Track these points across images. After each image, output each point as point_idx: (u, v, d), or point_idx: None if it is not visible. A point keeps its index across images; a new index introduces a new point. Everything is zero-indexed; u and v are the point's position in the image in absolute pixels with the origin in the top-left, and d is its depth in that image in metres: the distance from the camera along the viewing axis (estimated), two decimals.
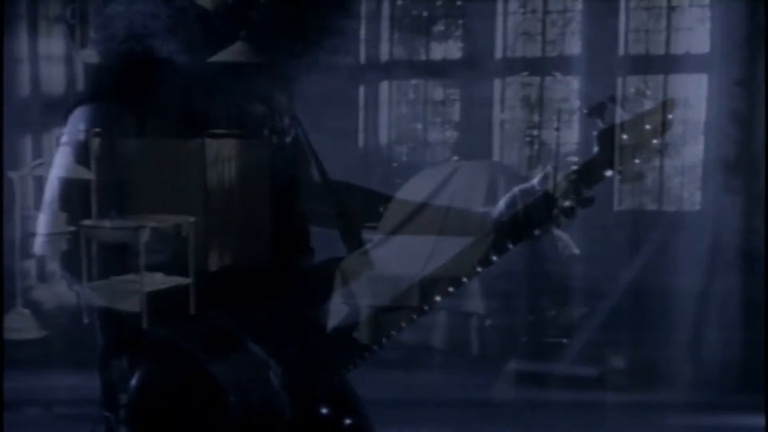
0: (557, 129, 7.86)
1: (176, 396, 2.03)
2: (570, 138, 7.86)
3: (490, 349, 6.09)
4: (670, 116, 1.97)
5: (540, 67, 8.07)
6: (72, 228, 1.99)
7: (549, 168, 2.02)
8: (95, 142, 1.99)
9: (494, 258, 2.02)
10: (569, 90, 8.07)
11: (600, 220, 6.14)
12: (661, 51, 7.80)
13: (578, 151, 7.52)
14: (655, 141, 1.96)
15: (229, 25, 1.96)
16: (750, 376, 4.85)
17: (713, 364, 5.83)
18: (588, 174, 1.99)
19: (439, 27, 8.52)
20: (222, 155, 2.06)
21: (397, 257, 2.12)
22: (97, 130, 1.98)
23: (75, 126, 2.05)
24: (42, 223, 2.08)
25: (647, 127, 1.96)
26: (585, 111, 1.99)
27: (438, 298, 2.05)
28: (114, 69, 2.10)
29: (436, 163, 8.11)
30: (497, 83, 8.08)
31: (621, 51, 7.73)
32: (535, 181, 2.06)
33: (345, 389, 2.20)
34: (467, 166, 2.22)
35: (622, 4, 7.77)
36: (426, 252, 2.08)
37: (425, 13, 8.44)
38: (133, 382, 2.02)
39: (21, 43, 6.62)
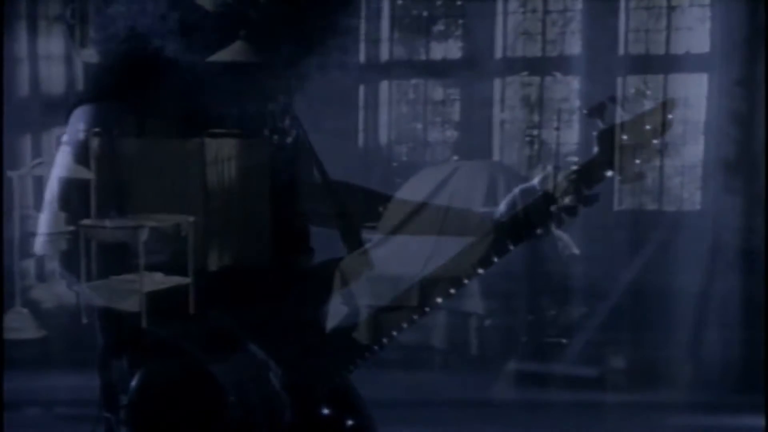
0: (557, 129, 7.86)
1: (176, 396, 2.03)
2: (570, 138, 7.86)
3: (489, 349, 6.08)
4: (670, 116, 1.97)
5: (540, 66, 8.07)
6: (72, 228, 1.98)
7: (549, 168, 2.02)
8: (95, 142, 1.99)
9: (495, 259, 2.02)
10: (569, 90, 8.07)
11: (600, 220, 6.14)
12: (661, 51, 7.79)
13: (578, 150, 7.52)
14: (655, 141, 1.96)
15: (229, 25, 1.96)
16: (750, 376, 4.85)
17: (713, 364, 5.82)
18: (588, 174, 1.99)
19: (439, 27, 8.52)
20: (222, 155, 2.06)
21: (396, 257, 2.12)
22: (97, 129, 1.98)
23: (75, 126, 2.04)
24: (42, 223, 2.08)
25: (647, 127, 1.96)
26: (585, 111, 1.99)
27: (439, 299, 2.05)
28: (114, 69, 2.10)
29: (436, 163, 8.11)
30: (497, 83, 8.08)
31: (621, 51, 7.73)
32: (535, 181, 2.06)
33: (347, 390, 2.20)
34: (467, 166, 2.23)
35: (622, 4, 7.76)
36: (426, 252, 2.08)
37: (425, 13, 8.43)
38: (134, 382, 2.02)
39: (20, 43, 6.62)
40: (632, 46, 7.78)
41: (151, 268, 1.97)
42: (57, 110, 6.28)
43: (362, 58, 7.71)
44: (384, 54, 8.23)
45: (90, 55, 2.16)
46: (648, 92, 2.02)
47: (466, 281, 2.04)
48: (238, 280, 2.06)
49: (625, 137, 1.95)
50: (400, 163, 8.30)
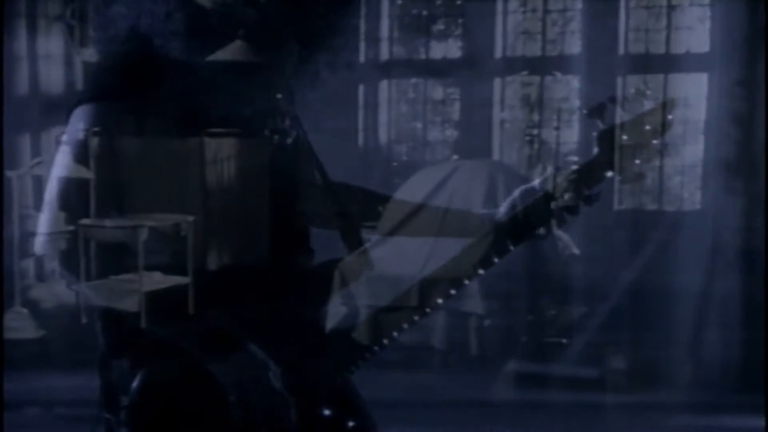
0: (557, 128, 7.86)
1: (178, 397, 2.03)
2: (570, 137, 7.86)
3: (489, 350, 6.08)
4: (670, 117, 1.97)
5: (540, 66, 8.07)
6: (71, 227, 1.98)
7: (550, 169, 2.02)
8: (94, 141, 1.98)
9: (495, 259, 2.01)
10: (569, 89, 8.07)
11: (600, 219, 6.14)
12: (661, 50, 7.80)
13: (578, 150, 7.53)
14: (655, 141, 1.96)
15: (228, 24, 1.95)
16: (750, 376, 4.85)
17: (713, 364, 5.82)
18: (588, 174, 1.99)
19: (439, 26, 8.52)
20: (221, 155, 2.06)
21: (395, 257, 2.12)
22: (96, 129, 1.98)
23: (75, 125, 2.04)
24: (42, 223, 2.08)
25: (647, 127, 1.95)
26: (585, 112, 1.99)
27: (439, 300, 2.05)
28: (114, 68, 2.09)
29: (436, 163, 8.10)
30: (497, 82, 8.08)
31: (621, 50, 7.73)
32: (536, 183, 2.05)
33: (348, 390, 2.20)
34: (467, 165, 2.22)
35: (622, 3, 7.76)
36: (425, 252, 2.08)
37: (425, 12, 8.43)
38: (135, 383, 2.02)
39: (20, 42, 6.62)
40: (632, 46, 7.78)
41: (151, 267, 1.96)
42: (56, 110, 6.28)
43: (362, 57, 7.71)
44: (384, 53, 8.23)
45: (90, 54, 2.15)
46: (648, 92, 2.02)
47: (466, 282, 2.04)
48: (237, 280, 2.05)
49: (625, 137, 1.95)
50: (400, 162, 8.31)
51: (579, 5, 7.97)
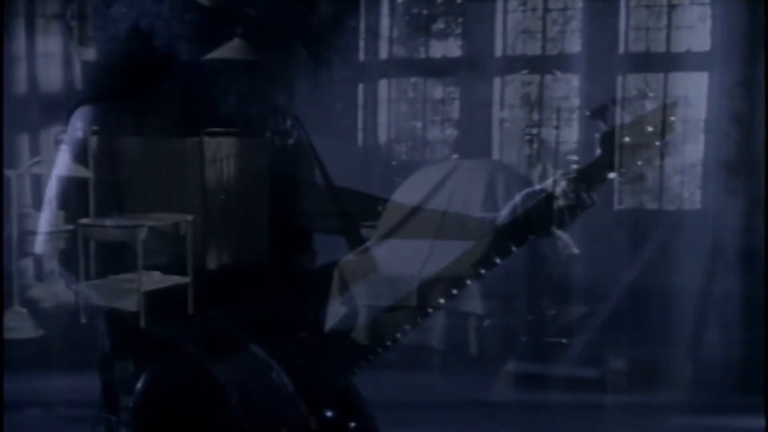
0: (557, 127, 7.86)
1: (182, 399, 2.02)
2: (570, 136, 7.86)
3: (489, 350, 6.08)
4: (672, 118, 1.97)
5: (540, 65, 8.07)
6: (70, 226, 1.98)
7: (550, 169, 2.02)
8: (93, 141, 1.98)
9: (497, 260, 2.02)
10: (569, 88, 8.06)
11: (600, 219, 6.13)
12: (662, 49, 7.79)
13: (578, 149, 7.52)
14: (657, 143, 1.97)
15: (226, 23, 1.95)
16: (750, 376, 4.84)
17: (713, 365, 5.82)
18: (591, 176, 1.99)
19: (439, 25, 8.51)
20: (220, 154, 2.05)
21: (394, 258, 2.11)
22: (96, 128, 1.97)
23: (74, 125, 2.04)
24: (42, 222, 2.08)
25: (649, 128, 1.96)
26: (587, 113, 1.99)
27: (441, 300, 2.05)
28: (113, 68, 2.09)
29: (436, 162, 8.10)
30: (497, 81, 8.08)
31: (621, 49, 7.73)
32: (537, 187, 2.05)
33: (350, 391, 2.19)
34: (466, 165, 2.21)
35: (623, 2, 7.76)
36: (424, 253, 2.08)
37: (425, 11, 8.43)
38: (139, 384, 2.01)
39: (19, 42, 6.61)
40: (632, 45, 7.77)
41: (150, 267, 1.96)
42: (55, 109, 6.28)
43: (361, 56, 7.70)
44: (383, 52, 8.23)
45: (89, 53, 2.15)
46: (650, 94, 2.02)
47: (468, 282, 2.04)
48: (237, 280, 2.05)
49: (627, 139, 1.95)
50: (400, 161, 8.30)
51: (579, 4, 7.97)
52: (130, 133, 2.03)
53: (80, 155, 1.98)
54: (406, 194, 2.15)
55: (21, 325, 5.68)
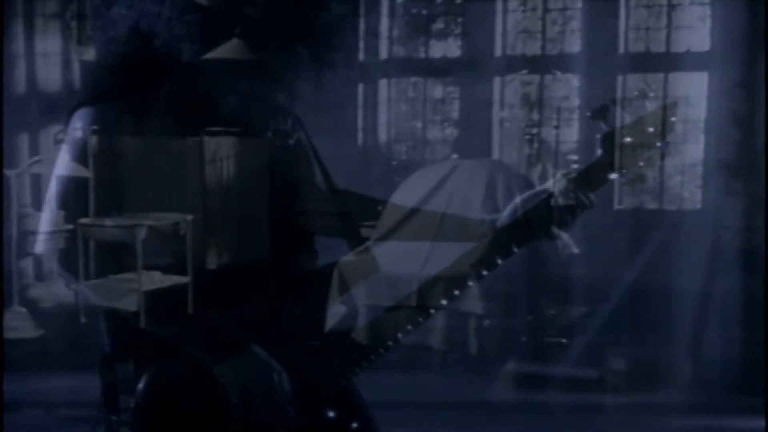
0: (557, 127, 7.85)
1: (184, 399, 2.01)
2: (570, 136, 7.85)
3: (489, 350, 6.07)
4: (672, 118, 1.97)
5: (540, 65, 8.07)
6: (70, 226, 1.98)
7: (555, 172, 2.02)
8: (93, 141, 1.98)
9: (499, 260, 2.01)
10: (569, 88, 8.06)
11: (600, 219, 6.11)
12: (662, 49, 7.79)
13: (578, 149, 7.52)
14: (658, 144, 1.96)
15: (225, 22, 1.95)
16: (750, 376, 4.84)
17: (713, 364, 5.81)
18: (591, 176, 1.98)
19: (439, 25, 8.51)
20: (220, 154, 2.05)
21: (395, 258, 2.11)
22: (95, 128, 1.97)
23: (74, 125, 2.03)
24: (42, 222, 2.07)
25: (650, 129, 1.95)
26: (588, 114, 1.99)
27: (443, 301, 2.04)
28: (112, 67, 2.08)
29: (435, 161, 8.10)
30: (497, 81, 8.08)
31: (621, 49, 7.73)
32: (539, 186, 2.05)
33: (351, 392, 2.18)
34: (466, 165, 2.21)
35: (623, 2, 7.76)
36: (424, 253, 2.07)
37: (425, 11, 8.43)
38: (140, 385, 2.00)
39: (18, 41, 6.60)
40: (632, 45, 7.78)
41: (150, 267, 1.96)
42: (55, 108, 6.27)
43: (361, 56, 7.70)
44: (383, 52, 8.22)
45: (88, 53, 2.14)
46: (650, 94, 2.02)
47: (470, 283, 2.03)
48: (238, 280, 2.05)
49: (627, 139, 1.95)
50: (400, 161, 8.30)
51: (579, 4, 7.97)
52: (130, 133, 2.02)
53: (80, 155, 1.98)
54: (406, 194, 2.15)
55: (21, 325, 5.67)
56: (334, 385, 2.11)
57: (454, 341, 5.98)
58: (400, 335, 2.07)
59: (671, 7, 7.82)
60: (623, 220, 7.25)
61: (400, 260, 2.09)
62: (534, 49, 8.13)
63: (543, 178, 2.06)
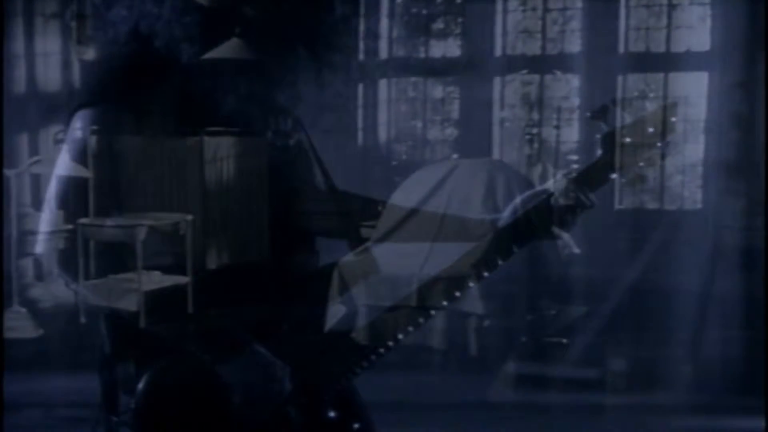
0: (557, 127, 7.85)
1: (185, 399, 2.01)
2: (570, 136, 7.85)
3: (489, 350, 6.07)
4: (673, 119, 1.97)
5: (540, 64, 8.06)
6: (70, 226, 1.98)
7: (555, 172, 2.02)
8: (93, 141, 1.98)
9: (499, 261, 2.01)
10: (569, 88, 8.06)
11: (600, 219, 6.10)
12: (662, 49, 7.79)
13: (578, 149, 7.51)
14: (658, 144, 1.96)
15: (224, 22, 1.95)
16: (750, 376, 4.83)
17: (713, 364, 5.81)
18: (592, 176, 1.98)
19: (439, 25, 8.51)
20: (220, 153, 2.05)
21: (395, 258, 2.11)
22: (95, 128, 1.97)
23: (74, 125, 2.03)
24: (42, 222, 2.07)
25: (650, 129, 1.95)
26: (588, 114, 1.99)
27: (444, 301, 2.04)
28: (112, 68, 2.08)
29: (436, 161, 8.10)
30: (497, 81, 8.07)
31: (621, 49, 7.73)
32: (540, 186, 2.05)
33: (351, 393, 2.18)
34: (466, 165, 2.21)
35: (623, 2, 7.76)
36: (423, 253, 2.07)
37: (425, 11, 8.42)
38: (141, 385, 2.00)
39: (18, 41, 6.60)
40: (632, 44, 7.77)
41: (150, 267, 1.96)
42: (54, 108, 6.26)
43: (361, 56, 7.70)
44: (383, 52, 8.22)
45: (88, 53, 2.14)
46: (651, 94, 2.02)
47: (471, 283, 2.03)
48: (238, 280, 2.04)
49: (628, 140, 1.95)
50: (400, 161, 8.29)
51: (579, 4, 7.97)
52: (130, 133, 2.02)
53: (80, 155, 1.98)
54: (406, 194, 2.15)
55: (21, 325, 5.67)
56: (333, 385, 2.11)
57: (454, 341, 5.97)
58: (400, 335, 2.07)
59: (671, 7, 7.82)
60: (624, 220, 7.25)
61: (400, 260, 2.09)
62: (534, 49, 8.13)
63: (543, 178, 2.06)
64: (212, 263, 2.04)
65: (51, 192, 2.05)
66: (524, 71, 8.08)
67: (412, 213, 2.10)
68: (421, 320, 2.06)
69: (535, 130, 7.93)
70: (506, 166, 2.37)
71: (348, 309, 2.10)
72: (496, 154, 8.01)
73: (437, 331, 5.87)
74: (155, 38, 1.96)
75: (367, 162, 7.89)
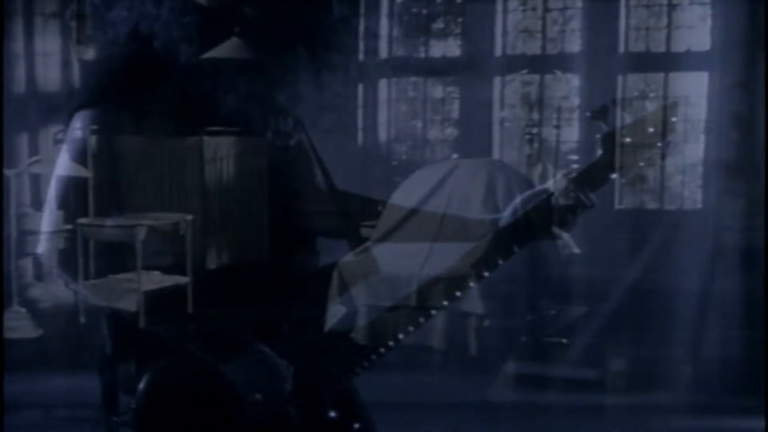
0: (557, 127, 7.85)
1: (186, 399, 2.01)
2: (570, 136, 7.85)
3: (488, 350, 6.07)
4: (673, 118, 1.97)
5: (540, 64, 8.06)
6: (69, 226, 1.98)
7: (555, 172, 2.02)
8: (93, 141, 1.98)
9: (500, 261, 2.01)
10: (569, 88, 8.06)
11: (600, 219, 6.10)
12: (662, 49, 7.79)
13: (578, 149, 7.51)
14: (658, 144, 1.96)
15: (224, 22, 1.94)
16: (750, 376, 4.83)
17: (713, 364, 5.81)
18: (592, 176, 1.98)
19: (439, 25, 8.51)
20: (220, 153, 2.05)
21: (395, 258, 2.11)
22: (95, 127, 1.97)
23: (74, 125, 2.03)
24: (42, 222, 2.07)
25: (650, 129, 1.95)
26: (588, 114, 1.99)
27: (444, 301, 2.04)
28: (112, 68, 2.08)
29: (436, 161, 8.10)
30: (497, 81, 8.07)
31: (621, 49, 7.72)
32: (540, 187, 2.05)
33: (351, 393, 2.18)
34: (466, 165, 2.21)
35: (623, 2, 7.76)
36: (423, 253, 2.07)
37: (425, 11, 8.42)
38: (142, 385, 2.00)
39: (18, 41, 6.59)
40: (633, 44, 7.77)
41: (150, 267, 1.96)
42: (54, 108, 6.26)
43: (361, 56, 7.70)
44: (383, 52, 8.22)
45: (88, 53, 2.14)
46: (651, 94, 2.02)
47: (471, 283, 2.03)
48: (237, 280, 2.04)
49: (628, 140, 1.95)
50: (400, 161, 8.29)
51: (579, 4, 7.97)
52: (130, 133, 2.02)
53: (80, 155, 1.98)
54: (406, 194, 2.15)
55: (21, 325, 5.67)
56: (333, 385, 2.11)
57: (454, 341, 5.97)
58: (400, 335, 2.07)
59: (671, 7, 7.82)
60: (624, 220, 7.25)
61: (400, 260, 2.09)
62: (534, 48, 8.13)
63: (543, 178, 2.06)
64: (212, 263, 2.04)
65: (51, 192, 2.05)
66: (524, 71, 8.08)
67: (412, 213, 2.10)
68: (421, 320, 2.06)
69: (535, 130, 7.93)
70: (506, 166, 2.37)
71: (348, 309, 2.10)
72: (496, 154, 8.01)
73: (437, 331, 5.87)
74: (155, 38, 1.96)
75: (367, 162, 7.89)
